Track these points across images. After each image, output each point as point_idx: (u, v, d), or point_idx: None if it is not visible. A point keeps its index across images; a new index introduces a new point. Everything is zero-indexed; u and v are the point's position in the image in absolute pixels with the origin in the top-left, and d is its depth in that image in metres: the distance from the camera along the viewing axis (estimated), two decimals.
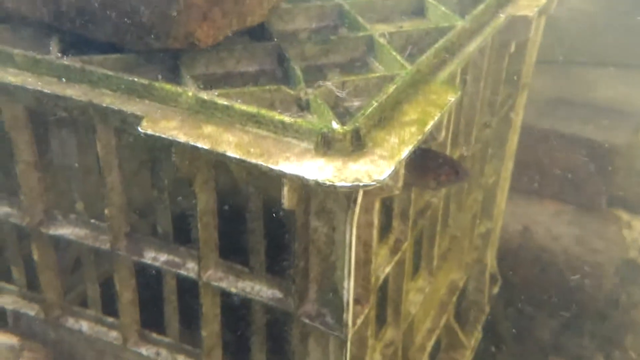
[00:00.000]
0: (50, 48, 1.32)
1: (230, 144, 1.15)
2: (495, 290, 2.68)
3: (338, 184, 1.08)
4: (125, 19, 1.22)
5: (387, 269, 1.44)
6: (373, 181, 1.09)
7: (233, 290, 1.35)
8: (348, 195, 1.14)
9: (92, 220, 1.42)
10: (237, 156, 1.13)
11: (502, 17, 1.78)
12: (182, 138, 1.15)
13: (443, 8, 1.72)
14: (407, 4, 1.79)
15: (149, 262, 1.39)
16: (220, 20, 1.33)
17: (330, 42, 1.52)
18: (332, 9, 1.69)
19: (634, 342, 2.59)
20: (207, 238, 1.33)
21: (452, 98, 1.36)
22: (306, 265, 1.27)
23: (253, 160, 1.12)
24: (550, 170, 3.22)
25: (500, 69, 2.04)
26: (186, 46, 1.28)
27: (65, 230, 1.42)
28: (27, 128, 1.35)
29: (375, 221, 1.26)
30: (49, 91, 1.23)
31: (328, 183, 1.08)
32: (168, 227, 1.39)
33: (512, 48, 2.00)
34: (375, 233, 1.27)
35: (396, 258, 1.48)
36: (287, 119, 1.18)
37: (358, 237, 1.22)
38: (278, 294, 1.33)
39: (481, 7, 1.72)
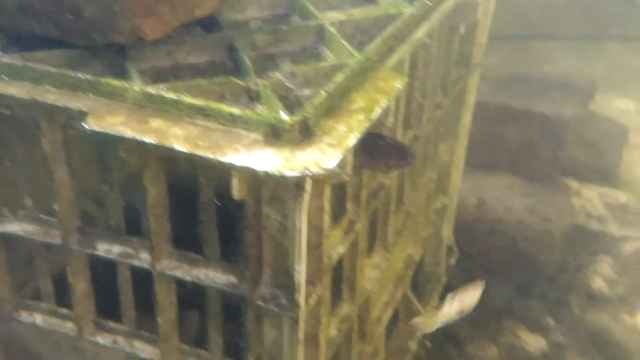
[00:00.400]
0: None
1: (178, 138, 1.15)
2: (453, 261, 2.77)
3: (287, 173, 1.09)
4: (68, 15, 1.19)
5: (341, 250, 1.47)
6: (321, 169, 1.11)
7: (187, 278, 1.37)
8: (297, 184, 1.16)
9: (42, 216, 1.40)
10: (185, 150, 1.13)
11: (450, 2, 1.80)
12: (128, 133, 1.15)
13: None
14: None
15: (103, 254, 1.39)
16: (168, 13, 1.31)
17: (281, 31, 1.52)
18: None
19: (578, 301, 2.73)
20: (159, 229, 1.34)
21: (398, 85, 1.39)
22: (260, 252, 1.29)
23: (201, 153, 1.13)
24: (504, 145, 3.30)
25: (451, 52, 2.07)
26: (132, 40, 1.26)
27: (14, 227, 1.40)
28: None
29: (326, 206, 1.28)
30: None
31: (277, 173, 1.09)
32: (120, 220, 1.39)
33: (462, 30, 2.03)
34: (326, 217, 1.29)
35: (350, 238, 1.51)
36: (235, 110, 1.18)
37: (309, 222, 1.25)
38: (233, 280, 1.35)
39: None
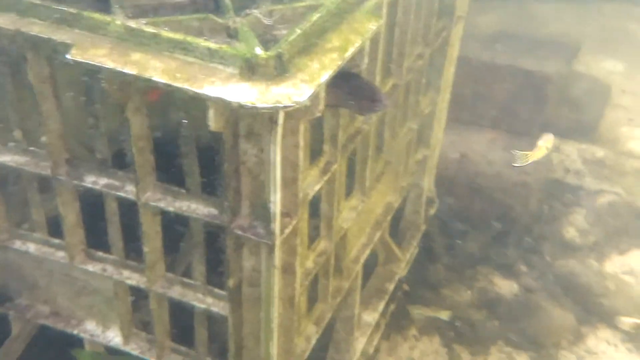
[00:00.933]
0: None
1: (157, 70, 1.18)
2: (432, 211, 2.84)
3: (259, 105, 1.13)
4: None
5: (317, 187, 1.53)
6: (293, 102, 1.14)
7: (171, 209, 1.42)
8: (271, 117, 1.20)
9: (32, 148, 1.44)
10: (163, 81, 1.16)
11: None
12: (109, 64, 1.17)
13: None
14: None
15: (90, 185, 1.44)
16: None
17: None
18: None
19: (550, 249, 2.82)
20: (143, 161, 1.38)
21: (373, 26, 1.41)
22: (238, 184, 1.34)
23: (179, 85, 1.16)
24: (488, 101, 3.33)
25: (432, 2, 2.07)
26: None
27: (5, 157, 1.44)
28: None
29: (301, 142, 1.32)
30: None
31: (250, 105, 1.13)
32: (106, 153, 1.43)
33: None
34: (301, 154, 1.34)
35: (326, 177, 1.56)
36: (212, 45, 1.21)
37: (285, 158, 1.30)
38: (213, 211, 1.41)
39: None
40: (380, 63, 1.76)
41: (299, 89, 1.18)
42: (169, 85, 1.16)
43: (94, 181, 1.42)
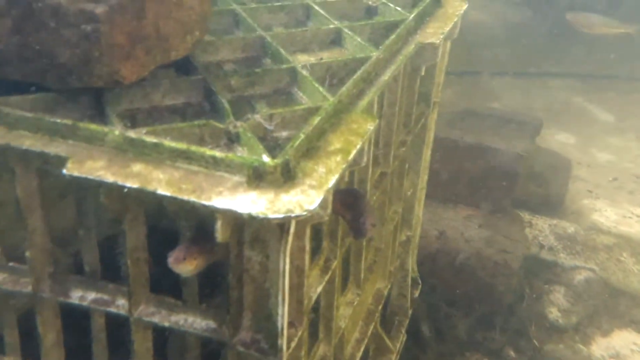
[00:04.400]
0: None
1: (161, 182, 1.15)
2: (417, 293, 2.82)
3: (271, 216, 1.11)
4: (45, 60, 1.18)
5: (319, 289, 1.49)
6: (304, 211, 1.13)
7: (166, 324, 1.34)
8: (281, 226, 1.18)
9: (11, 264, 1.35)
10: (169, 193, 1.13)
11: (412, 45, 1.90)
12: (109, 178, 1.14)
13: (359, 39, 1.81)
14: (324, 35, 1.86)
15: (76, 302, 1.34)
16: (144, 57, 1.32)
17: (255, 74, 1.56)
18: (255, 41, 1.73)
19: (537, 332, 2.84)
20: (137, 274, 1.31)
21: (371, 126, 1.44)
22: (240, 294, 1.29)
23: (185, 197, 1.13)
24: (460, 178, 3.44)
25: (413, 92, 2.16)
26: (110, 84, 1.26)
27: None
28: None
29: (307, 246, 1.30)
30: None
31: (261, 216, 1.11)
32: (96, 265, 1.35)
33: (423, 72, 2.13)
34: (307, 258, 1.31)
35: (327, 277, 1.53)
36: (218, 154, 1.20)
37: (291, 263, 1.26)
38: (212, 325, 1.34)
39: (393, 37, 1.82)
40: (370, 154, 1.79)
41: (309, 195, 1.17)
42: (175, 199, 1.13)
43: (80, 296, 1.33)
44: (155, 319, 1.34)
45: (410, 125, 2.26)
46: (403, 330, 2.61)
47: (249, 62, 1.72)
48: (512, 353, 2.71)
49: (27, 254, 1.28)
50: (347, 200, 1.42)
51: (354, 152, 1.34)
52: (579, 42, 5.68)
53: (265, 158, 1.20)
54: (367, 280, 2.03)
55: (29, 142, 1.18)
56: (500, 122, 3.72)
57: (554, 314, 2.95)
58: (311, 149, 1.31)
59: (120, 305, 1.33)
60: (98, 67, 1.22)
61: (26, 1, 1.12)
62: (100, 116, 1.32)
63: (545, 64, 5.91)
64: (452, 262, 3.02)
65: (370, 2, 2.16)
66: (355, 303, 1.85)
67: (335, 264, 1.58)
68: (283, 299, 1.23)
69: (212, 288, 1.49)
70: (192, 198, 1.13)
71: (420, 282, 2.85)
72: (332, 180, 1.23)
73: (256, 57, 1.74)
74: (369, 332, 2.07)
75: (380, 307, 2.20)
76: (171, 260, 1.23)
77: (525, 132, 3.72)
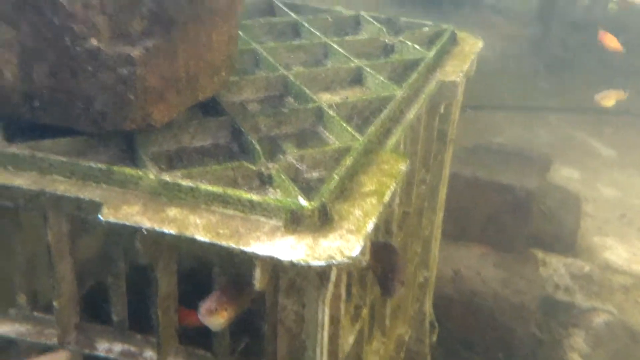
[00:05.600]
0: None
1: (198, 227, 1.15)
2: (434, 338, 2.79)
3: (312, 263, 1.11)
4: (79, 103, 1.20)
5: (351, 340, 1.47)
6: (346, 258, 1.13)
7: None
8: (321, 273, 1.17)
9: (36, 314, 1.33)
10: (207, 240, 1.13)
11: (433, 83, 1.95)
12: (146, 224, 1.13)
13: (380, 77, 1.85)
14: (346, 74, 1.90)
15: (103, 354, 1.32)
16: (175, 98, 1.34)
17: (282, 114, 1.58)
18: (277, 80, 1.76)
19: None
20: (167, 323, 1.30)
21: (403, 167, 1.46)
22: (274, 346, 1.27)
23: (224, 243, 1.13)
24: (473, 216, 3.45)
25: (432, 129, 2.20)
26: (142, 127, 1.27)
27: (5, 329, 1.31)
28: None
29: (344, 294, 1.29)
30: None
31: (303, 263, 1.11)
32: (124, 315, 1.33)
33: (442, 109, 2.17)
34: (343, 307, 1.30)
35: (358, 327, 1.51)
36: (255, 197, 1.20)
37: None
38: None
39: (414, 75, 1.87)
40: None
41: (348, 241, 1.18)
42: (213, 245, 1.12)
43: (107, 348, 1.31)
44: None
45: (429, 163, 2.29)
46: None
47: (272, 101, 1.75)
48: None
49: (55, 303, 1.27)
50: (382, 254, 1.41)
51: (388, 194, 1.35)
52: (576, 77, 5.82)
53: (302, 201, 1.21)
54: (390, 327, 2.01)
55: (63, 187, 1.18)
56: (510, 158, 3.77)
57: None
58: (344, 191, 1.32)
59: (148, 358, 1.31)
60: (132, 111, 1.23)
61: (64, 45, 1.14)
62: (130, 159, 1.33)
63: (544, 98, 6.04)
64: (468, 304, 3.00)
65: (386, 40, 2.22)
66: (382, 353, 1.83)
67: (365, 311, 1.56)
68: (322, 352, 1.21)
69: (237, 337, 1.47)
70: (231, 244, 1.13)
71: (436, 325, 2.82)
72: (371, 224, 1.23)
73: (279, 96, 1.77)
74: None
75: (402, 355, 2.17)
76: (203, 312, 1.21)
77: (536, 168, 3.76)
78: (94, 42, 1.16)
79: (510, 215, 3.42)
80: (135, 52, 1.20)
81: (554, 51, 6.11)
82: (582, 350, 2.97)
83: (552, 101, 6.04)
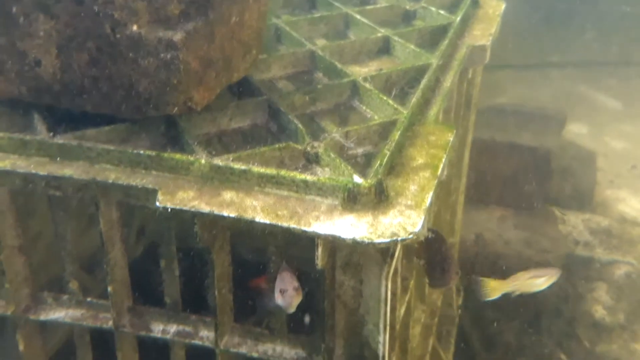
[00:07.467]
0: (37, 127, 1.22)
1: (256, 209, 1.13)
2: (460, 301, 2.80)
3: (377, 240, 1.09)
4: (121, 91, 1.15)
5: (402, 310, 1.46)
6: (409, 234, 1.11)
7: (255, 355, 1.31)
8: (383, 250, 1.15)
9: (89, 299, 1.31)
10: (267, 221, 1.10)
11: (463, 49, 1.89)
12: (205, 208, 1.11)
13: (412, 46, 1.79)
14: (373, 44, 1.85)
15: (158, 335, 1.31)
16: (213, 81, 1.30)
17: (317, 90, 1.53)
18: (305, 55, 1.71)
19: (585, 333, 2.83)
20: (223, 303, 1.28)
21: (450, 137, 1.43)
22: (333, 321, 1.26)
23: (284, 224, 1.10)
24: (491, 178, 3.43)
25: (461, 95, 2.15)
26: (183, 111, 1.23)
27: (58, 314, 1.30)
28: (11, 211, 1.22)
29: (400, 268, 1.28)
30: (44, 173, 1.13)
31: (366, 241, 1.09)
32: (177, 296, 1.32)
33: (470, 75, 2.12)
34: (399, 280, 1.29)
35: (407, 297, 1.51)
36: (309, 177, 1.17)
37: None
38: (302, 354, 1.31)
39: (445, 42, 1.81)
40: None
41: (409, 217, 1.15)
42: (274, 226, 1.10)
43: (162, 329, 1.30)
44: (243, 349, 1.31)
45: (459, 129, 2.25)
46: (452, 341, 2.59)
47: (301, 77, 1.70)
48: (563, 357, 2.70)
49: (110, 288, 1.25)
50: (430, 244, 1.38)
51: (441, 166, 1.32)
52: (574, 30, 5.70)
53: (358, 179, 1.18)
54: (427, 295, 2.01)
55: (113, 175, 1.15)
56: (526, 118, 3.72)
57: (599, 312, 2.94)
58: (395, 166, 1.29)
59: (205, 337, 1.30)
60: (175, 95, 1.19)
61: (104, 32, 1.09)
62: (171, 144, 1.29)
63: (544, 54, 5.92)
64: (492, 265, 3.01)
65: (407, 7, 2.15)
66: (422, 320, 1.83)
67: (412, 283, 1.55)
68: (385, 326, 1.20)
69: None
70: (292, 224, 1.10)
71: (462, 288, 2.83)
72: (428, 199, 1.21)
73: (307, 71, 1.72)
74: (429, 348, 2.04)
75: (436, 321, 2.18)
76: (285, 296, 1.18)
77: (551, 127, 3.72)
78: (134, 27, 1.11)
79: (529, 176, 3.40)
80: (177, 36, 1.15)
81: (551, 3, 5.96)
82: (605, 302, 2.99)
83: (553, 56, 5.93)
